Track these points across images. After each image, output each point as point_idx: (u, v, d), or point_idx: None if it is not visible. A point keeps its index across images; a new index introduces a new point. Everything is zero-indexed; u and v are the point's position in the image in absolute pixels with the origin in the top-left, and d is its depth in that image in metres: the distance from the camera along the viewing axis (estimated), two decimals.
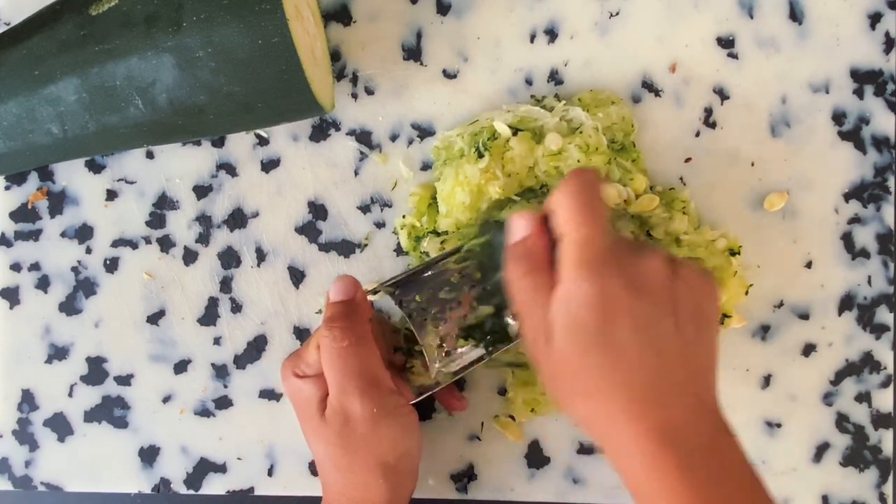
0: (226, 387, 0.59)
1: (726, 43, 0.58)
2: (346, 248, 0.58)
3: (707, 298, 0.43)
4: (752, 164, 0.58)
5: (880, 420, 0.58)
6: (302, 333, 0.58)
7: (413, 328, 0.50)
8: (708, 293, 0.43)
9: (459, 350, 0.50)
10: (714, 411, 0.42)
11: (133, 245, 0.59)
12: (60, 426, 0.59)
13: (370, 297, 0.52)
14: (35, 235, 0.59)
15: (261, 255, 0.58)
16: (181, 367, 0.59)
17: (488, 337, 0.51)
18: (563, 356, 0.42)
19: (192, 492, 0.59)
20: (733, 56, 0.58)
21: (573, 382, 0.42)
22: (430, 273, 0.51)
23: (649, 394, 0.41)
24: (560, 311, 0.42)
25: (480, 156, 0.54)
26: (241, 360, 0.58)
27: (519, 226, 0.46)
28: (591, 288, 0.41)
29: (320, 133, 0.58)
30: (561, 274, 0.42)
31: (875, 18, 0.57)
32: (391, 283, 0.51)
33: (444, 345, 0.50)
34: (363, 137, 0.58)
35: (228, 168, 0.58)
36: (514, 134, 0.55)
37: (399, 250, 0.58)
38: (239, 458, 0.59)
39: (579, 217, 0.42)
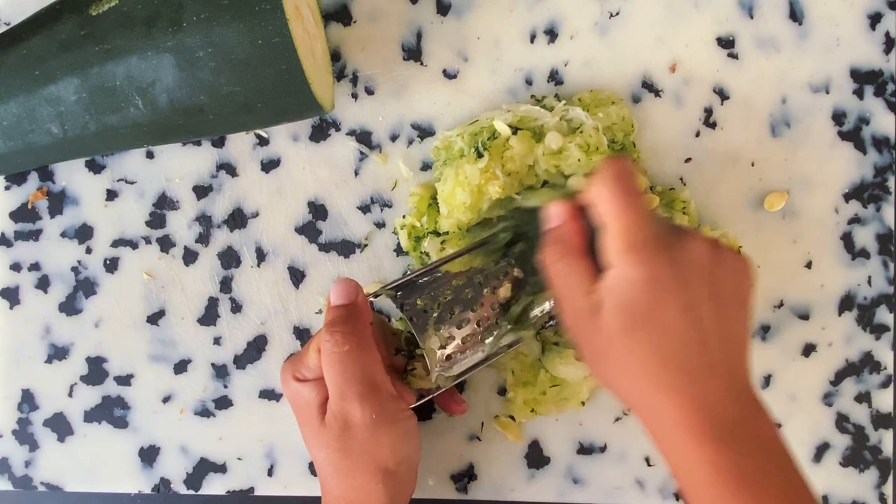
0: (226, 387, 0.59)
1: (726, 43, 0.58)
2: (346, 248, 0.58)
3: (745, 281, 0.46)
4: (752, 165, 0.58)
5: (880, 420, 0.58)
6: (302, 333, 0.58)
7: (414, 332, 0.50)
8: (746, 276, 0.46)
9: (460, 354, 0.51)
10: (748, 388, 0.44)
11: (133, 245, 0.59)
12: (60, 426, 0.59)
13: (371, 300, 0.52)
14: (35, 235, 0.59)
15: (261, 255, 0.58)
16: (181, 367, 0.59)
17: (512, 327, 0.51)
18: (610, 335, 0.44)
19: (192, 492, 0.59)
20: (733, 56, 0.58)
21: (618, 359, 0.44)
22: (431, 277, 0.51)
23: (690, 370, 0.43)
24: (611, 292, 0.44)
25: (480, 155, 0.54)
26: (241, 360, 0.58)
27: (555, 214, 0.48)
28: (643, 271, 0.43)
29: (320, 133, 0.58)
30: (610, 258, 0.44)
31: (875, 19, 0.57)
32: (393, 286, 0.51)
33: (445, 349, 0.50)
34: (363, 137, 0.58)
35: (228, 168, 0.58)
36: (514, 133, 0.55)
37: (399, 250, 0.58)
38: (239, 458, 0.59)
39: (623, 204, 0.44)
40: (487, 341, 0.51)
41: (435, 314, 0.50)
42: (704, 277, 0.44)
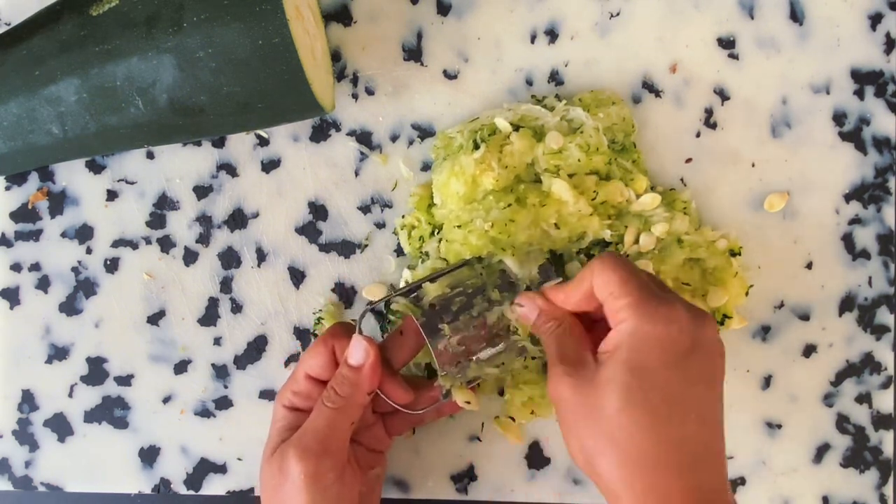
0: (226, 387, 0.58)
1: (727, 43, 0.58)
2: (346, 248, 0.58)
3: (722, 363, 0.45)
4: (753, 165, 0.58)
5: (881, 421, 0.58)
6: (302, 334, 0.58)
7: (425, 336, 0.50)
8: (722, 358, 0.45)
9: (471, 358, 0.51)
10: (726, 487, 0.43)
11: (133, 245, 0.59)
12: (60, 426, 0.59)
13: (379, 307, 0.52)
14: (35, 236, 0.59)
15: (261, 256, 0.58)
16: (181, 367, 0.58)
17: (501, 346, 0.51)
18: (606, 393, 0.42)
19: (192, 492, 0.59)
20: (734, 56, 0.58)
21: (609, 424, 0.42)
22: (445, 282, 0.52)
23: (694, 452, 0.41)
24: (620, 346, 0.43)
25: (477, 147, 0.54)
26: (242, 361, 0.58)
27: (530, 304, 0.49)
28: (661, 327, 0.42)
29: (320, 133, 0.58)
30: (621, 316, 0.43)
31: (876, 19, 0.57)
32: (403, 291, 0.52)
33: (454, 353, 0.51)
34: (363, 138, 0.58)
35: (229, 168, 0.58)
36: (516, 131, 0.55)
37: (399, 251, 0.58)
38: (239, 459, 0.59)
39: (630, 269, 0.44)
40: (497, 347, 0.51)
41: (446, 320, 0.51)
42: (711, 359, 0.43)
